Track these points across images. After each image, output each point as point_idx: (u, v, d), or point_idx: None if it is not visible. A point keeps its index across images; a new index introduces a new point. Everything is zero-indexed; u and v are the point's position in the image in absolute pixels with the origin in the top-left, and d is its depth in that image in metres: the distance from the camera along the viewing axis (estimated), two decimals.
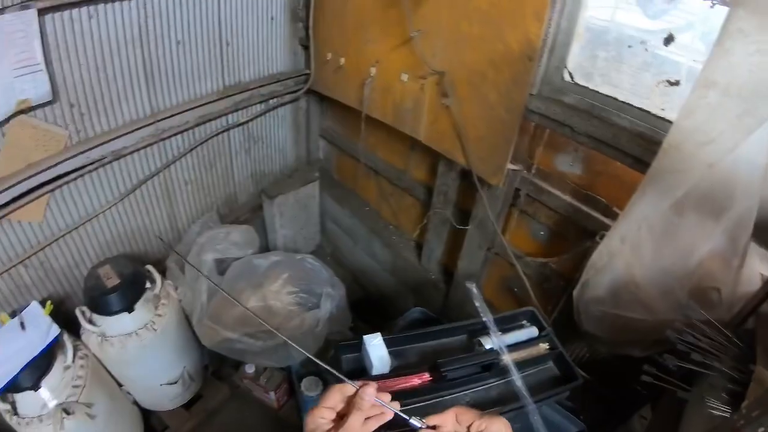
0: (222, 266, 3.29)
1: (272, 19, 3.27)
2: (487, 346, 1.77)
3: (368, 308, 3.96)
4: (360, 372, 1.77)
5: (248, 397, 3.51)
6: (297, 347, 1.30)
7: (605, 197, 2.30)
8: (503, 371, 1.70)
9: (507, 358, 1.63)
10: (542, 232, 2.72)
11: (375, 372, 1.71)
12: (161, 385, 3.06)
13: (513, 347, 1.79)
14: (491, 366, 1.74)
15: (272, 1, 3.21)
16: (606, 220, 2.25)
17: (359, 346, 1.79)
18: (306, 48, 3.45)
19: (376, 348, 1.73)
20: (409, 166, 3.40)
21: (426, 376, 1.70)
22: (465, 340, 1.93)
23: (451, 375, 1.68)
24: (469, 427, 1.06)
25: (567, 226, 2.51)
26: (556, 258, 2.59)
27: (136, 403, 3.18)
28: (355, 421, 1.02)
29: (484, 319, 1.59)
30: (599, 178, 2.32)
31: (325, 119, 4.05)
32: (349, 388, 1.06)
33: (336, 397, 1.06)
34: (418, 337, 1.93)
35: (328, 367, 1.17)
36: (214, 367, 3.58)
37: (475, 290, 1.61)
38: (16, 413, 2.39)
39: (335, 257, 4.48)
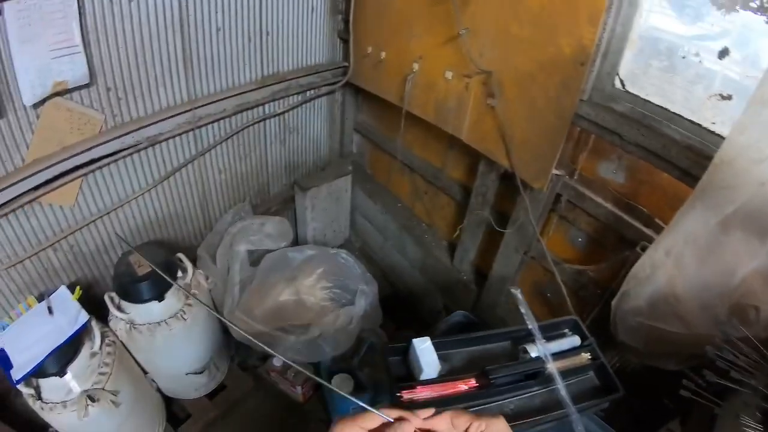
0: (253, 257, 3.31)
1: (312, 9, 3.26)
2: (533, 354, 1.76)
3: (396, 305, 3.94)
4: (407, 376, 1.77)
5: (272, 388, 3.52)
6: (304, 362, 1.28)
7: (647, 207, 2.26)
8: (547, 380, 1.70)
9: (552, 367, 1.62)
10: (580, 239, 2.68)
11: (424, 376, 1.70)
12: (187, 374, 3.09)
13: (556, 356, 1.77)
14: (536, 374, 1.73)
15: None
16: (647, 231, 2.21)
17: (406, 350, 1.80)
18: (345, 40, 3.44)
19: (426, 352, 1.73)
20: (447, 165, 3.37)
21: (472, 382, 1.70)
22: (509, 346, 1.93)
23: (497, 382, 1.68)
24: (466, 430, 1.01)
25: (606, 234, 2.48)
26: (594, 266, 2.56)
27: (159, 390, 3.21)
28: None
29: (530, 326, 1.59)
30: (642, 188, 2.28)
31: (360, 113, 4.04)
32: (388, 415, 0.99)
33: (375, 420, 0.99)
34: (464, 342, 1.92)
35: (352, 398, 1.13)
36: (240, 358, 3.60)
37: (520, 296, 1.61)
38: (39, 398, 2.41)
39: (364, 252, 4.47)
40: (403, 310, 3.96)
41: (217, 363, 3.27)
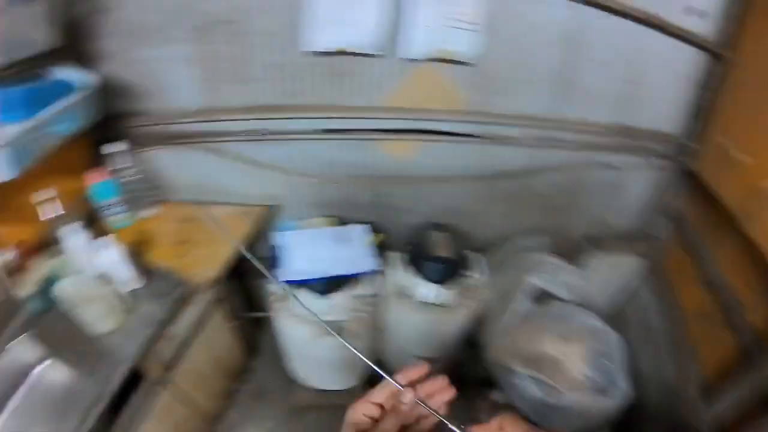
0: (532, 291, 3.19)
1: (677, 72, 2.90)
2: None
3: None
4: None
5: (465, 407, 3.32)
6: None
7: None
8: None
9: None
10: None
11: None
12: (414, 356, 3.05)
13: None
14: None
15: (683, 54, 2.79)
16: None
17: None
18: (694, 118, 3.04)
19: None
20: (750, 305, 2.74)
21: None
22: None
23: None
24: None
25: None
26: None
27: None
28: (389, 425, 0.96)
29: None
30: None
31: (678, 197, 3.51)
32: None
33: (384, 393, 0.98)
34: None
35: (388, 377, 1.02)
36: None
37: None
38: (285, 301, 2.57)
39: None
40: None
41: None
